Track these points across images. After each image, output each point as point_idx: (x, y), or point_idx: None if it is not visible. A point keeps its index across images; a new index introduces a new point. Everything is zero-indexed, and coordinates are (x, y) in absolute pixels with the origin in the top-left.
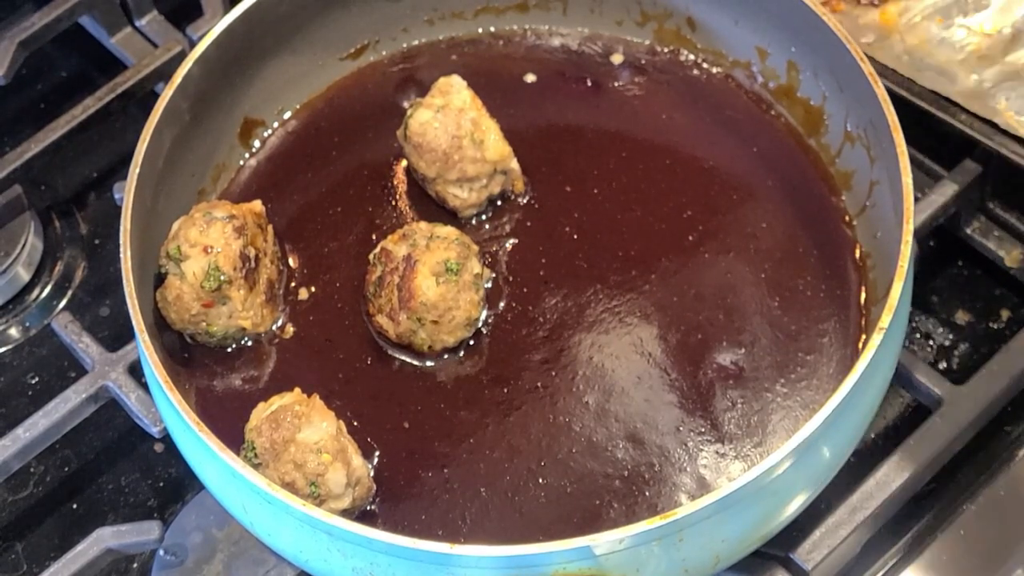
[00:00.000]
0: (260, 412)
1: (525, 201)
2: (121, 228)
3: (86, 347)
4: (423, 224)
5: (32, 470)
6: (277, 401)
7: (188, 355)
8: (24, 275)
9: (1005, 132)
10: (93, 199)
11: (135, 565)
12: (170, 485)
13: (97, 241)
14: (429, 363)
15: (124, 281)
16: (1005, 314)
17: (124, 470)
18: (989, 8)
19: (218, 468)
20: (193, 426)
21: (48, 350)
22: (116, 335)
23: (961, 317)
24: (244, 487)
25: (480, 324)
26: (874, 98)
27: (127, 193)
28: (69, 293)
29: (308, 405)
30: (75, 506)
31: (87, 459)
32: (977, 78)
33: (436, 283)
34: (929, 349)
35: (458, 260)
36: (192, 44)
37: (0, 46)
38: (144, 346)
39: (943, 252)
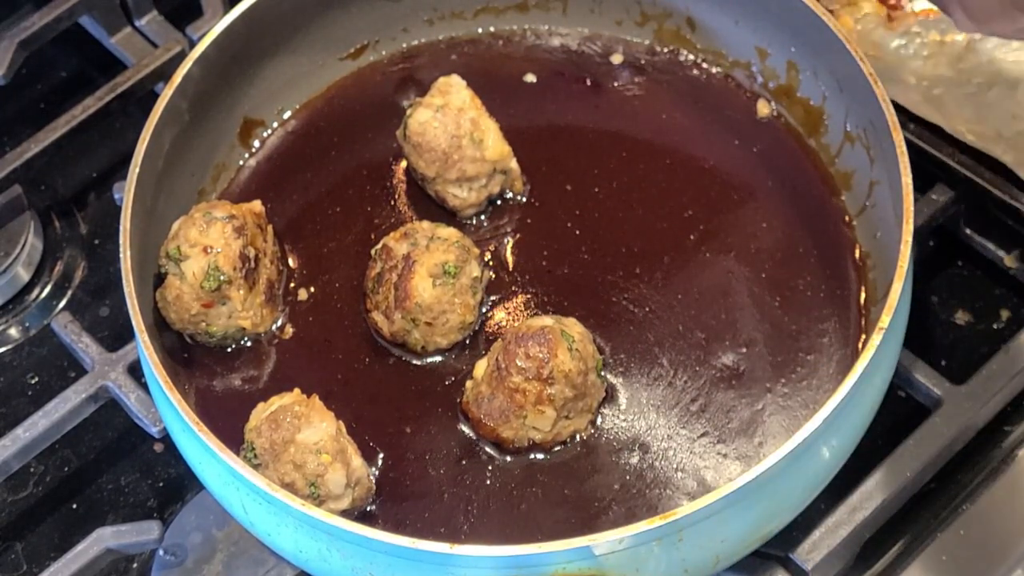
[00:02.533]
0: (260, 412)
1: (525, 200)
2: (121, 228)
3: (86, 347)
4: (426, 224)
5: (32, 470)
6: (277, 401)
7: (188, 355)
8: (24, 275)
9: (954, 140)
10: (93, 199)
11: (135, 565)
12: (170, 485)
13: (97, 241)
14: (427, 360)
15: (124, 281)
16: (1005, 314)
17: (124, 470)
18: (942, 17)
19: (218, 468)
20: (193, 426)
21: (48, 350)
22: (116, 335)
23: (961, 317)
24: (244, 487)
25: (476, 327)
26: (874, 98)
27: (127, 193)
28: (69, 293)
29: (308, 406)
30: (75, 506)
31: (87, 459)
32: (928, 85)
33: (432, 285)
34: (929, 349)
35: (456, 263)
36: (192, 44)
37: (0, 46)
38: (144, 346)
39: (943, 252)
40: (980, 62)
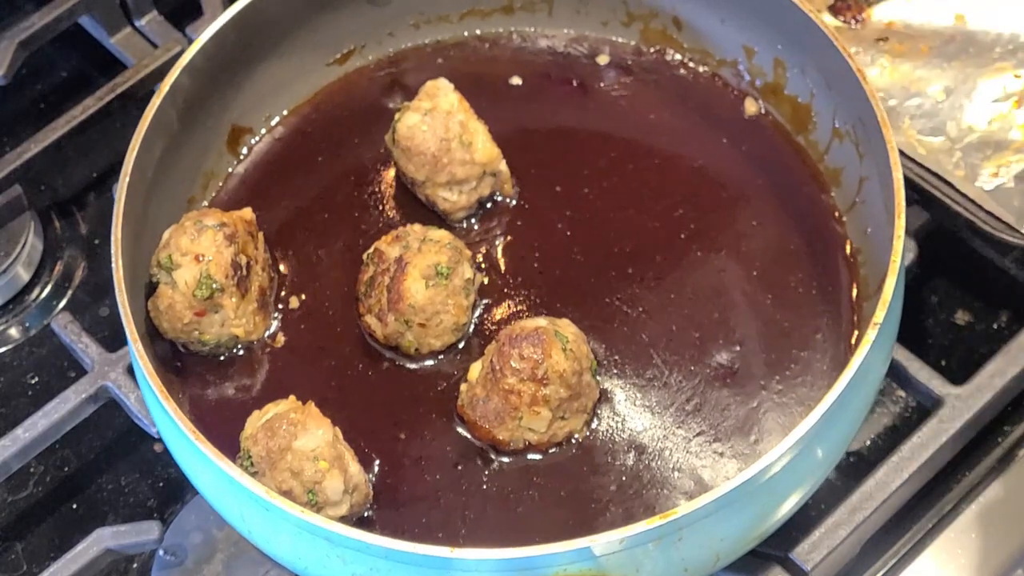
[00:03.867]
0: (255, 420)
1: (515, 203)
2: (112, 238)
3: (86, 347)
4: (417, 226)
5: (32, 470)
6: (272, 409)
7: (181, 364)
8: (24, 275)
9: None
10: (93, 199)
11: (135, 565)
12: (170, 485)
13: (97, 241)
14: (422, 364)
15: (116, 291)
16: (1005, 314)
17: (124, 470)
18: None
19: (215, 477)
20: (189, 435)
21: (48, 350)
22: (116, 335)
23: (961, 317)
24: (242, 495)
25: (470, 329)
26: (862, 94)
27: (117, 203)
28: (69, 293)
29: (304, 412)
30: (75, 506)
31: (87, 459)
32: (883, 96)
33: (425, 286)
34: (928, 349)
35: (449, 264)
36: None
37: (0, 46)
38: (138, 355)
39: (942, 252)
40: (940, 72)
